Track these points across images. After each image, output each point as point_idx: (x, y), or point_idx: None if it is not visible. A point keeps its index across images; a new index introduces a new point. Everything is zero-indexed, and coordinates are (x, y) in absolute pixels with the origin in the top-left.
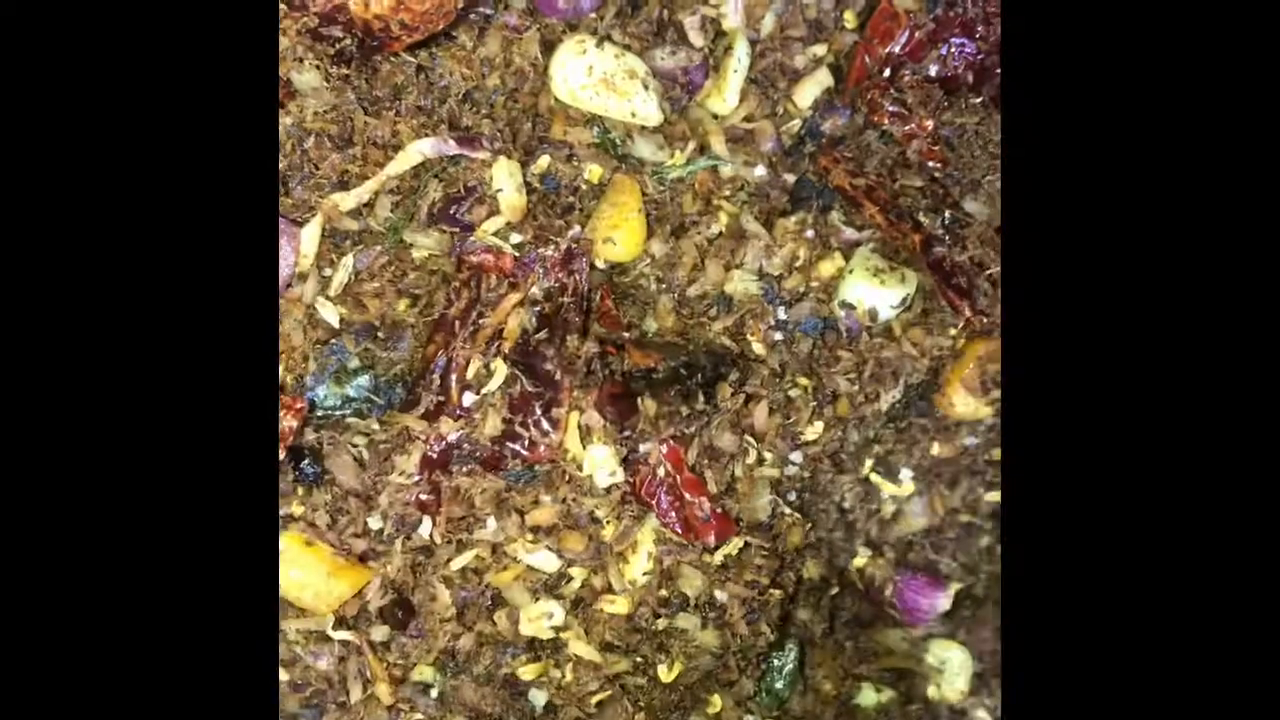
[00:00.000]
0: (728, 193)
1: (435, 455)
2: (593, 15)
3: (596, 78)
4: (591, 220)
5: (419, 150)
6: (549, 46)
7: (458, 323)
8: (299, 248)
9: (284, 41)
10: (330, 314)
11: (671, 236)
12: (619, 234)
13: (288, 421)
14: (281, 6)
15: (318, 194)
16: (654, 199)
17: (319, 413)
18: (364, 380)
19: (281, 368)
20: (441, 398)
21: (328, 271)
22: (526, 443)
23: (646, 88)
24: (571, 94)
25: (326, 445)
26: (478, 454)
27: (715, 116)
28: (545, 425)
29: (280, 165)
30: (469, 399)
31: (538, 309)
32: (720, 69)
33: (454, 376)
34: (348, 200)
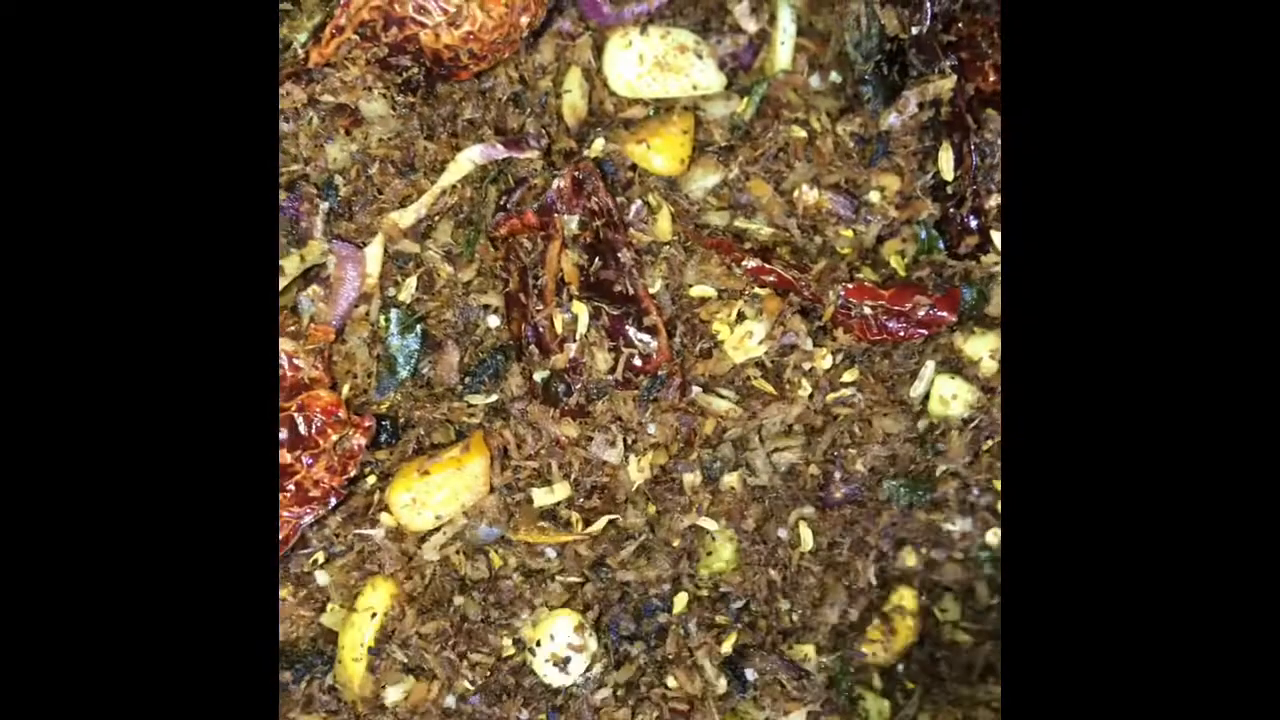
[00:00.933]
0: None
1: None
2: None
3: (649, 64)
4: (634, 129)
5: (468, 159)
6: (599, 51)
7: (522, 294)
8: (364, 270)
9: (353, 70)
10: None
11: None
12: (658, 140)
13: (356, 440)
14: (353, 36)
15: (380, 218)
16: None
17: None
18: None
19: (346, 387)
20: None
21: (391, 291)
22: (638, 358)
23: (700, 56)
24: (630, 86)
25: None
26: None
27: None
28: (644, 336)
29: (343, 191)
30: (571, 348)
31: (581, 243)
32: (769, 41)
33: (547, 337)
34: (407, 217)
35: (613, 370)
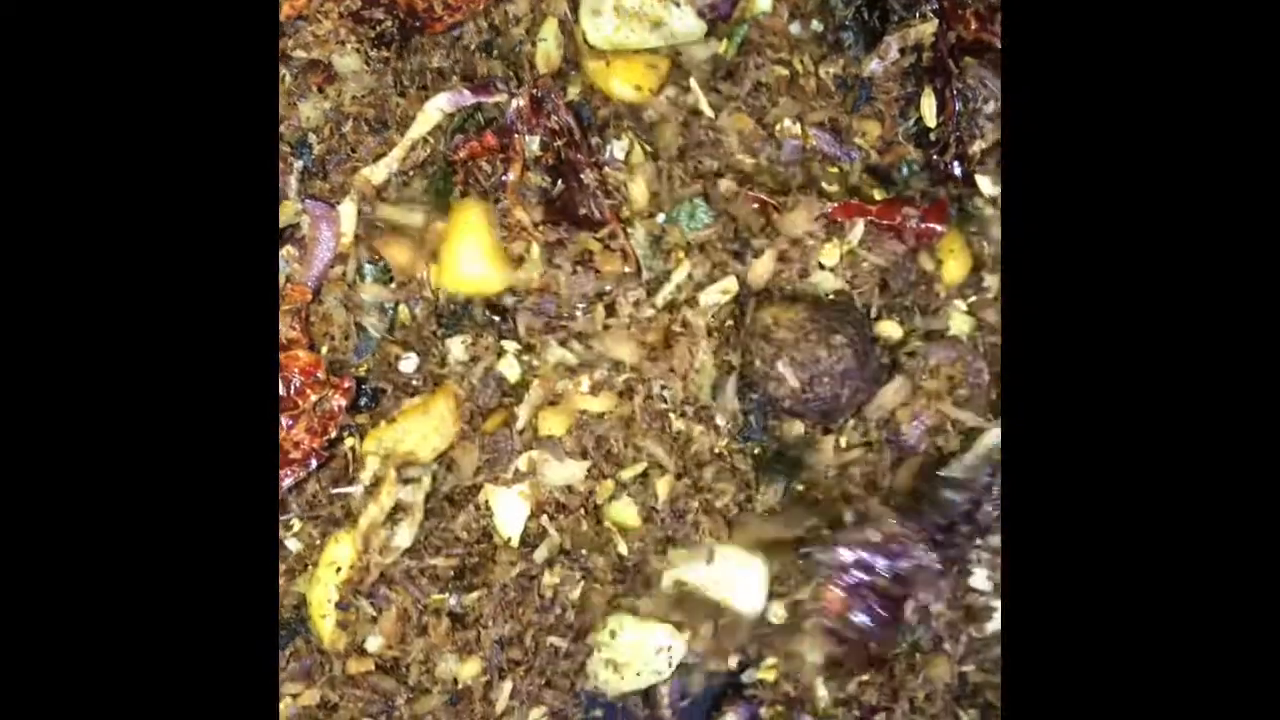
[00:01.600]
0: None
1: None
2: None
3: (626, 13)
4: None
5: (437, 108)
6: (575, 2)
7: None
8: (338, 229)
9: (326, 25)
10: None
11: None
12: (621, 63)
13: (336, 400)
14: None
15: (354, 177)
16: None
17: None
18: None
19: (325, 349)
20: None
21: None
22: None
23: (678, 4)
24: (608, 40)
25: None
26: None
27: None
28: None
29: (317, 149)
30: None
31: (543, 165)
32: None
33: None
34: (379, 173)
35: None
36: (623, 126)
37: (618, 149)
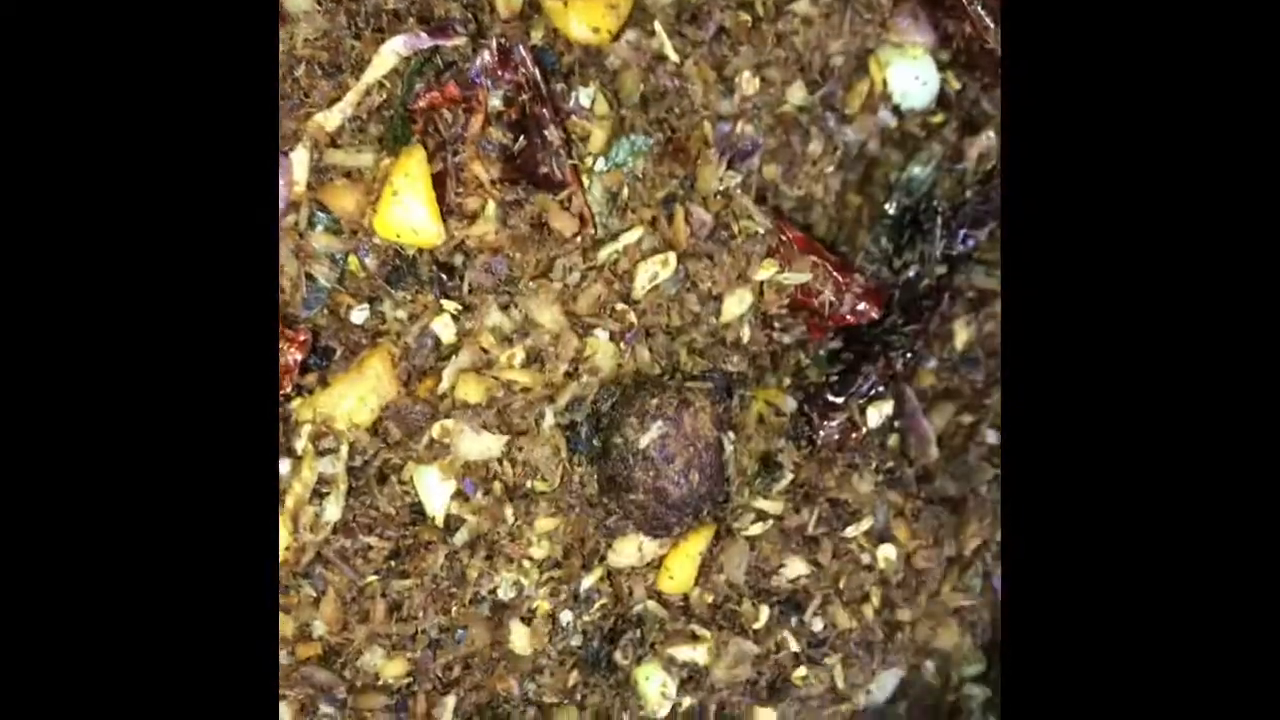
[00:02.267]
0: None
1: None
2: None
3: None
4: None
5: (392, 50)
6: None
7: (441, 171)
8: (290, 178)
9: None
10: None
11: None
12: (580, 3)
13: (291, 354)
14: None
15: (307, 123)
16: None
17: None
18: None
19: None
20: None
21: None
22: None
23: None
24: None
25: None
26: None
27: None
28: None
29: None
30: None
31: (506, 120)
32: None
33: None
34: (332, 118)
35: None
36: (589, 75)
37: (584, 96)
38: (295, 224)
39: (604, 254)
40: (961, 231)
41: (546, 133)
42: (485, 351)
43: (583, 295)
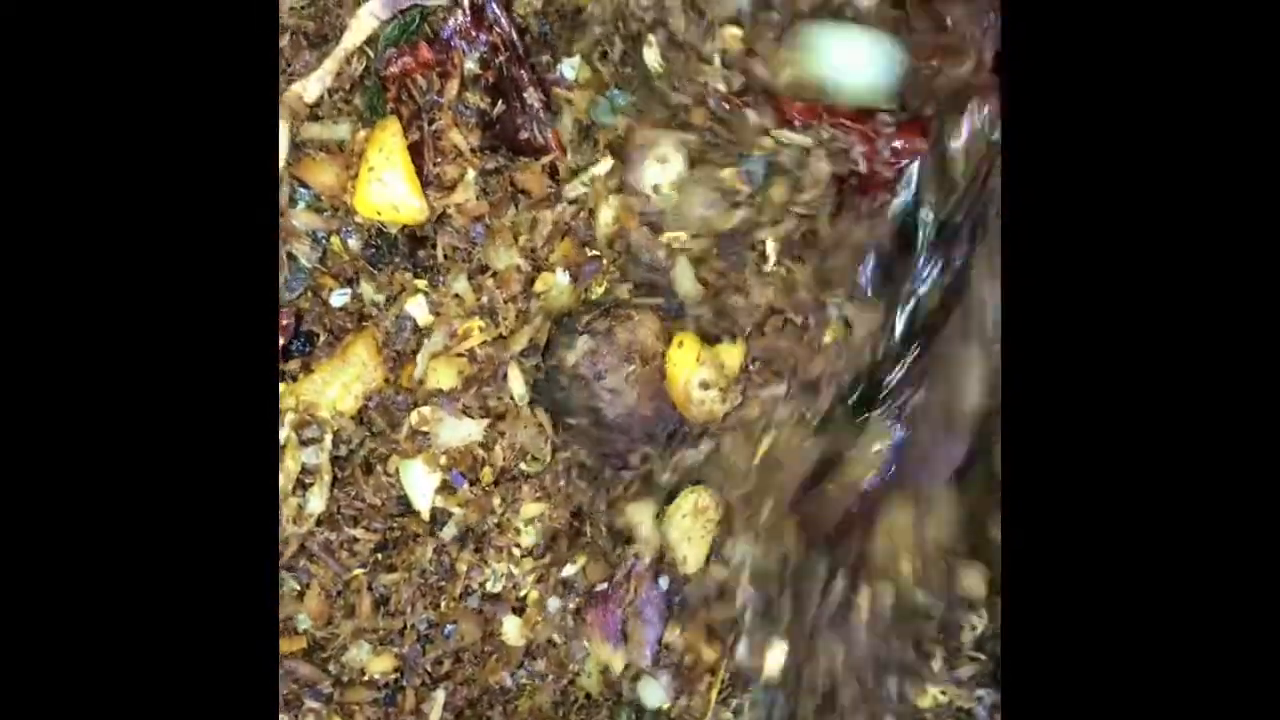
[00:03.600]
0: None
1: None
2: None
3: None
4: None
5: (370, 13)
6: None
7: (417, 140)
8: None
9: None
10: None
11: None
12: None
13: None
14: None
15: (285, 94)
16: None
17: None
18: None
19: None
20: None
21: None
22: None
23: None
24: None
25: None
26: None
27: None
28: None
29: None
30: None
31: (483, 83)
32: None
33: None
34: (311, 89)
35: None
36: (571, 40)
37: (568, 68)
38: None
39: (572, 188)
40: None
41: (526, 95)
42: (451, 325)
43: (540, 231)
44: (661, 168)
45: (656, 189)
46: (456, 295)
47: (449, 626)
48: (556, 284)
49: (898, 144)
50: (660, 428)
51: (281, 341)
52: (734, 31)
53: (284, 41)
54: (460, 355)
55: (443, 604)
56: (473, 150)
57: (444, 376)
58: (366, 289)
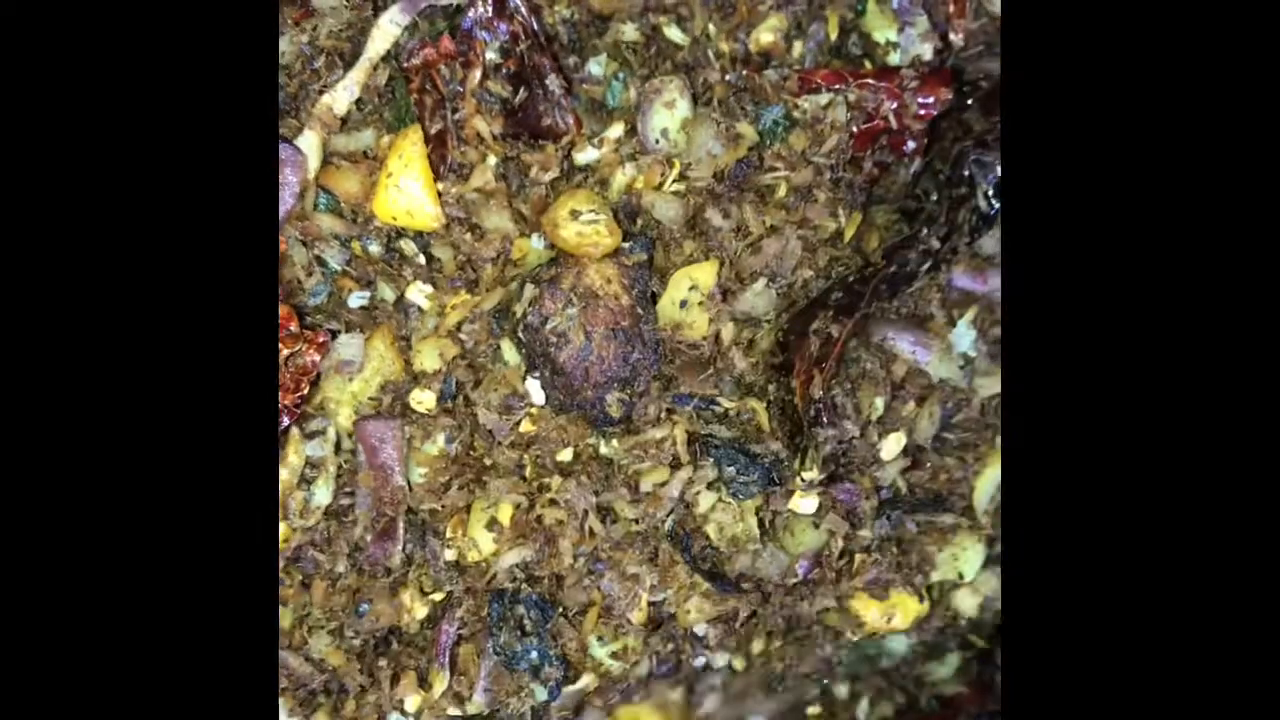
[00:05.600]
0: None
1: None
2: None
3: None
4: None
5: (390, 22)
6: None
7: (441, 130)
8: (304, 176)
9: None
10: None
11: None
12: None
13: (310, 356)
14: None
15: (315, 105)
16: None
17: None
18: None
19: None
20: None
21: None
22: None
23: None
24: None
25: None
26: None
27: None
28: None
29: (290, 87)
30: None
31: (505, 72)
32: None
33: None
34: (340, 100)
35: None
36: (595, 36)
37: (594, 66)
38: (301, 209)
39: (583, 154)
40: None
41: (548, 82)
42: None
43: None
44: (669, 112)
45: (664, 133)
46: (436, 258)
47: None
48: (533, 249)
49: (926, 98)
50: (641, 373)
51: (318, 358)
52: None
53: (320, 63)
54: (450, 331)
55: None
56: (494, 137)
57: (429, 360)
58: (383, 289)
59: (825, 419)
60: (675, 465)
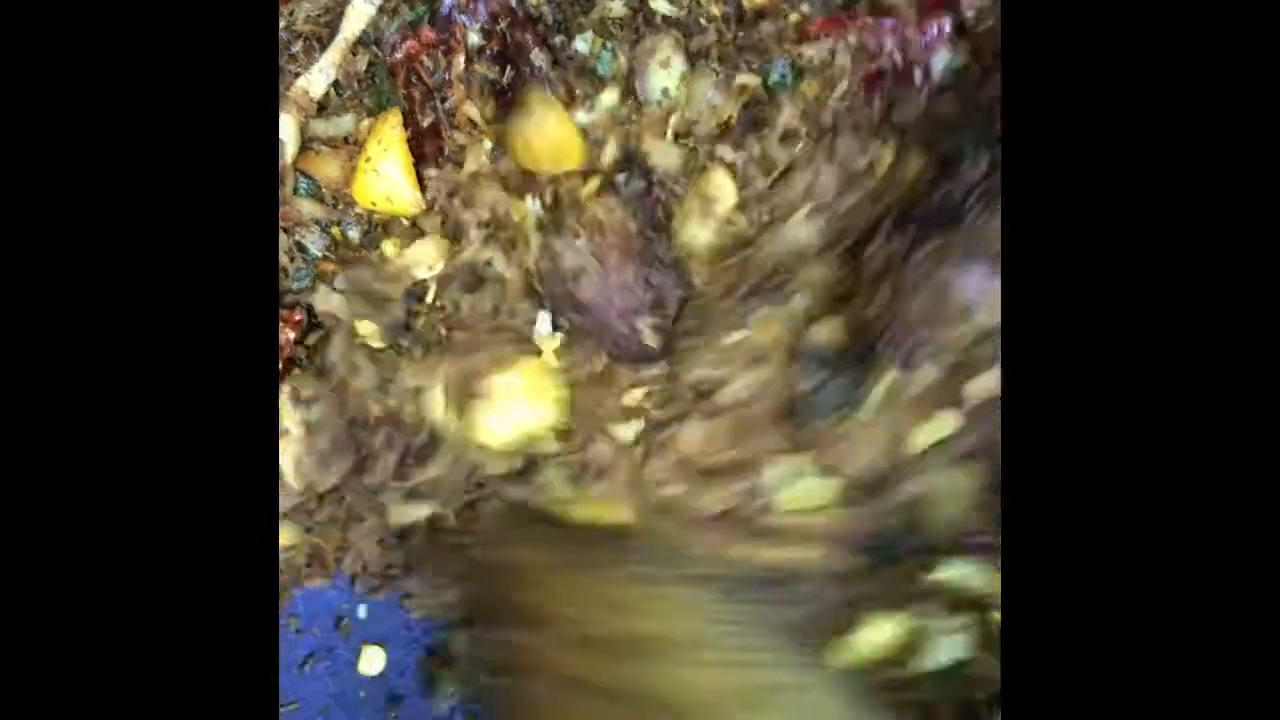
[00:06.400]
0: None
1: None
2: None
3: None
4: None
5: (364, 0)
6: None
7: (433, 121)
8: (284, 162)
9: None
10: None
11: None
12: None
13: (285, 334)
14: None
15: (291, 89)
16: None
17: None
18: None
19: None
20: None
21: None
22: None
23: None
24: None
25: None
26: None
27: None
28: None
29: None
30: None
31: (489, 54)
32: None
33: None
34: (316, 83)
35: None
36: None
37: (580, 43)
38: (282, 195)
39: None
40: None
41: (534, 57)
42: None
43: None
44: (666, 71)
45: (665, 92)
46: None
47: None
48: (528, 210)
49: (929, 29)
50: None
51: (293, 335)
52: None
53: (297, 47)
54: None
55: None
56: (488, 121)
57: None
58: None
59: None
60: None
